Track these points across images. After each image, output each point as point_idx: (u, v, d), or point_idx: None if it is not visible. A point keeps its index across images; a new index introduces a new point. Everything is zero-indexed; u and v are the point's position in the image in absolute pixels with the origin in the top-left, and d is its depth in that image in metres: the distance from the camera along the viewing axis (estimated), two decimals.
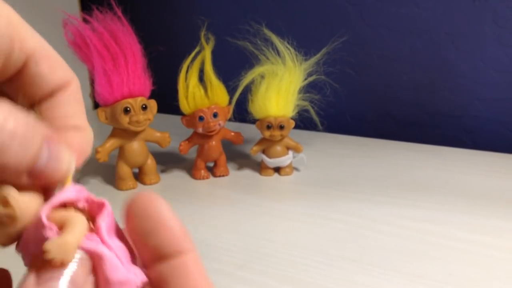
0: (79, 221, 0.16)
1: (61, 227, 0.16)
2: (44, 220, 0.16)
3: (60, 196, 0.16)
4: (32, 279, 0.15)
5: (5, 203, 0.15)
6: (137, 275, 0.16)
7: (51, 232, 0.15)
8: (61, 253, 0.15)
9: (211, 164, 0.56)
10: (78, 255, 0.16)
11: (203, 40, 0.51)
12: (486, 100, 0.63)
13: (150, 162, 0.53)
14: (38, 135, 0.15)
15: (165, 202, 0.17)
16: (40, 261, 0.15)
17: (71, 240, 0.15)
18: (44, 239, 0.15)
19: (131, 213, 0.16)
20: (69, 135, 0.17)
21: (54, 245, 0.15)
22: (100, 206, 0.17)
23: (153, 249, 0.16)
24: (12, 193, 0.15)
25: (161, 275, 0.16)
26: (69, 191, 0.16)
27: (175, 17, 0.84)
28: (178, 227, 0.16)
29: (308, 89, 0.53)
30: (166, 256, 0.16)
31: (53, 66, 0.17)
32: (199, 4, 0.80)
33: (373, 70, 0.69)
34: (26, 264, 0.16)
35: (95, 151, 0.50)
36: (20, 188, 0.15)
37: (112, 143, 0.51)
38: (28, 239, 0.16)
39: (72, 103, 0.18)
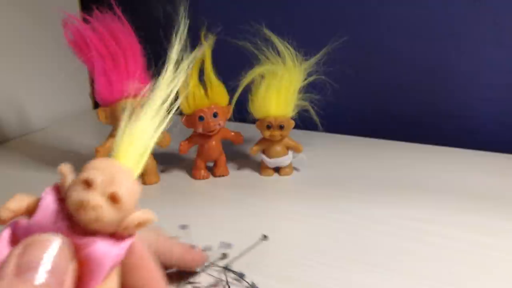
0: None
1: None
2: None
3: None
4: (11, 265, 0.14)
5: None
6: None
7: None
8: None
9: (211, 164, 0.56)
10: (59, 240, 0.15)
11: (203, 40, 0.51)
12: (486, 100, 0.63)
13: (150, 162, 0.53)
14: None
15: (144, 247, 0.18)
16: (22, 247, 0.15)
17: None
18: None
19: None
20: None
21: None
22: None
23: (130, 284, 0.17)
24: None
25: None
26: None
27: (175, 17, 0.83)
28: (156, 270, 0.18)
29: (308, 89, 0.53)
30: None
31: None
32: (199, 4, 0.80)
33: (373, 70, 0.68)
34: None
35: (95, 151, 0.50)
36: None
37: (112, 143, 0.50)
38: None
39: None
